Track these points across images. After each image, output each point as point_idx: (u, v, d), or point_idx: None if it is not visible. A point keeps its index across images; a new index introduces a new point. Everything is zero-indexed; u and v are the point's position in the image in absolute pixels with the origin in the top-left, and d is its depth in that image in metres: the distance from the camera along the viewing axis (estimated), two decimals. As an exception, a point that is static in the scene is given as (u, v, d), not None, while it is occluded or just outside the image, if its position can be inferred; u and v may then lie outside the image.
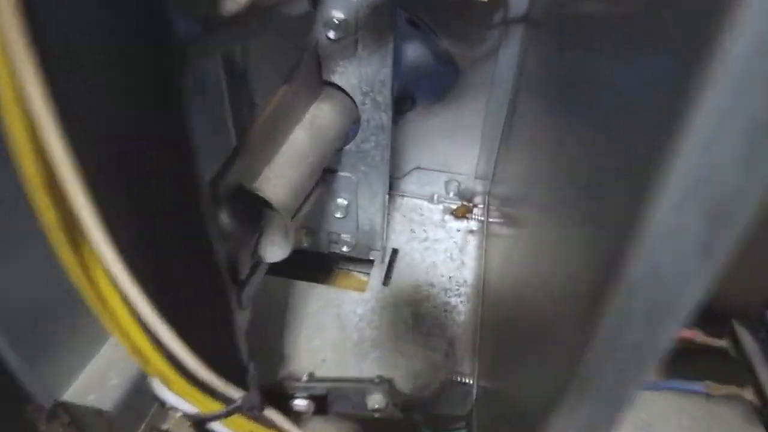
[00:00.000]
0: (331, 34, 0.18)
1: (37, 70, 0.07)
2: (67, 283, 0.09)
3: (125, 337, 0.10)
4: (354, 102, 0.20)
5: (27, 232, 0.11)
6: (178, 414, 0.14)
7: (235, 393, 0.13)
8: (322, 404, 0.17)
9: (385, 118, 0.20)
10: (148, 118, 0.08)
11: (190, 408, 0.13)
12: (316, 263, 0.28)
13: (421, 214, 0.29)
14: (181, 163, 0.09)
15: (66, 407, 0.17)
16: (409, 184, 0.30)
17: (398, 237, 0.28)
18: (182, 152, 0.09)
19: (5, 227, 0.14)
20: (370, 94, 0.19)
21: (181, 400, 0.13)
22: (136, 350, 0.11)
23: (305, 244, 0.25)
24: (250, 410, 0.13)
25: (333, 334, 0.22)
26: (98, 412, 0.16)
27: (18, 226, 0.13)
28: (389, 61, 0.18)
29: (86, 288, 0.09)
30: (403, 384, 0.19)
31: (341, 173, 0.22)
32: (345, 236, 0.25)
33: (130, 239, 0.09)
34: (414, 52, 0.23)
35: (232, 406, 0.13)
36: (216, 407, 0.13)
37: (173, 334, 0.10)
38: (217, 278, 0.12)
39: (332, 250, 0.25)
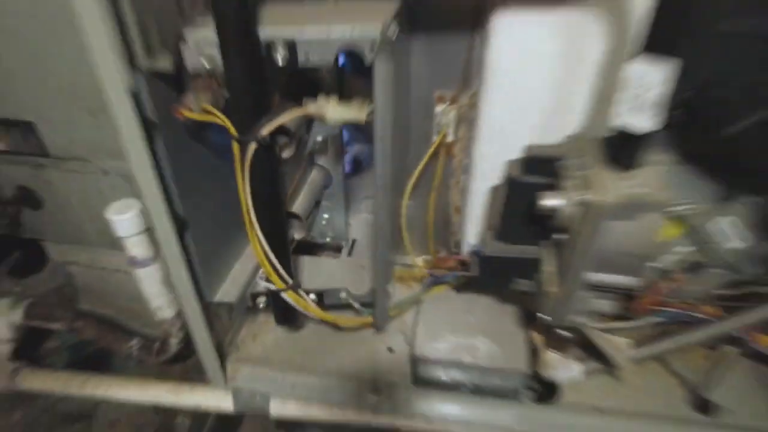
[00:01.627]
0: (317, 143, 0.42)
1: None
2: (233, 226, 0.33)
3: (261, 258, 0.34)
4: (329, 172, 0.44)
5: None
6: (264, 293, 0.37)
7: (290, 280, 0.36)
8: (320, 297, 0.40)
9: (341, 178, 0.45)
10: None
11: (273, 287, 0.36)
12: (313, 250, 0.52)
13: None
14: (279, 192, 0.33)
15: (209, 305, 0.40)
16: (362, 208, 0.54)
17: (357, 234, 0.52)
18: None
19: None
20: (335, 169, 0.44)
21: (270, 284, 0.36)
22: (260, 259, 0.34)
23: (309, 237, 0.49)
24: (294, 288, 0.36)
25: (327, 272, 0.45)
26: (229, 305, 0.39)
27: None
28: (342, 157, 0.43)
29: (249, 230, 0.33)
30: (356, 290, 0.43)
31: (324, 202, 0.46)
32: (329, 233, 0.48)
33: (261, 211, 0.32)
34: (359, 148, 0.47)
35: (289, 285, 0.36)
36: (282, 286, 0.36)
37: (270, 251, 0.34)
38: (286, 228, 0.35)
39: (322, 240, 0.49)
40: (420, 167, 0.40)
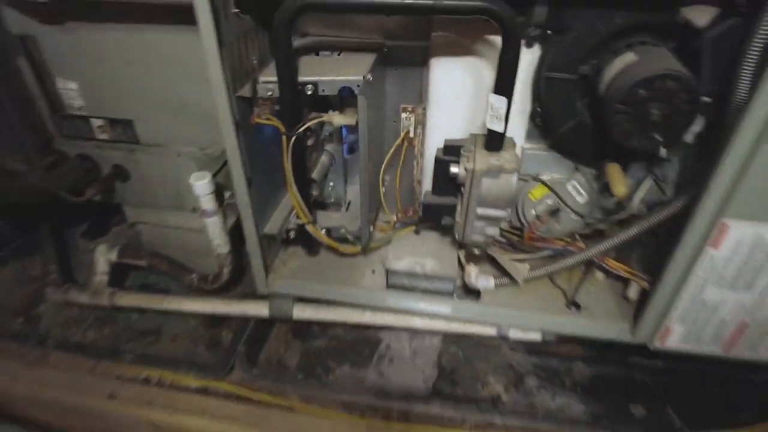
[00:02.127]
0: (326, 136, 0.66)
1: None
2: (275, 184, 0.57)
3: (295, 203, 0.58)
4: (333, 154, 0.68)
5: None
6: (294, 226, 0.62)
7: (311, 217, 0.60)
8: (329, 232, 0.65)
9: (341, 159, 0.69)
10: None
11: (300, 221, 0.60)
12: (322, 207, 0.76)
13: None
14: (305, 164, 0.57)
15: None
16: (355, 180, 0.79)
17: (351, 197, 0.76)
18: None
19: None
20: (337, 152, 0.68)
21: (299, 220, 0.60)
22: (294, 204, 0.58)
23: (320, 198, 0.74)
24: (313, 223, 0.60)
25: (333, 219, 0.70)
26: (272, 236, 0.64)
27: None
28: (342, 144, 0.67)
29: (289, 186, 0.57)
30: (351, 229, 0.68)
31: (330, 175, 0.71)
32: (333, 196, 0.73)
33: (295, 174, 0.57)
34: (352, 138, 0.72)
35: (310, 221, 0.60)
36: (306, 221, 0.60)
37: (299, 196, 0.58)
38: (308, 186, 0.60)
39: (329, 201, 0.74)
40: (390, 153, 0.64)
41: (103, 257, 0.79)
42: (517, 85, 0.55)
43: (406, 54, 0.62)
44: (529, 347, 0.80)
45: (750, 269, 0.50)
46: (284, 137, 0.52)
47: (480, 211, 0.53)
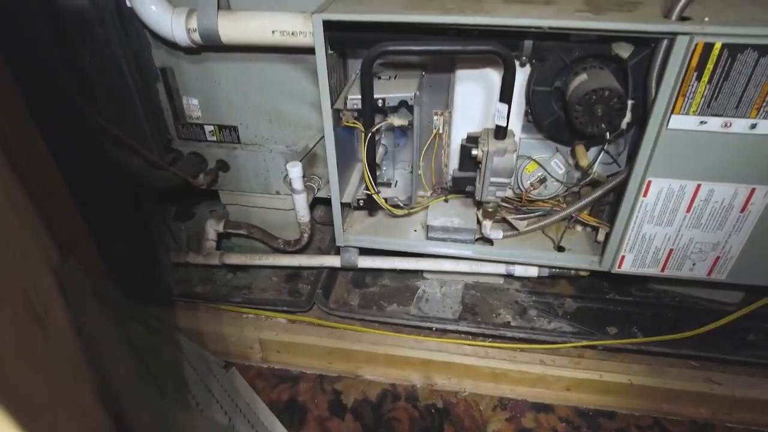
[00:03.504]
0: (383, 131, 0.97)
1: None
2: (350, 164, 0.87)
3: (367, 179, 0.88)
4: (386, 146, 0.99)
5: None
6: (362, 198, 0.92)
7: (376, 189, 0.91)
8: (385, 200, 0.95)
9: (391, 150, 1.00)
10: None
11: (369, 192, 0.90)
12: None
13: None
14: (374, 151, 0.88)
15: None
16: (400, 166, 1.09)
17: (399, 178, 1.06)
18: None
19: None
20: (388, 145, 0.99)
21: (367, 191, 0.90)
22: (366, 179, 0.89)
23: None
24: (377, 193, 0.90)
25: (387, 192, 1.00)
26: (346, 204, 0.94)
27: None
28: (392, 140, 0.98)
29: (364, 166, 0.88)
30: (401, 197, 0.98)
31: (384, 162, 1.01)
32: (385, 177, 1.03)
33: (367, 159, 0.87)
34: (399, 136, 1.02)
35: (375, 191, 0.90)
36: (373, 191, 0.90)
37: (370, 174, 0.88)
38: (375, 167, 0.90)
39: (382, 180, 1.04)
40: (426, 144, 0.95)
41: (212, 228, 1.09)
42: (515, 94, 0.86)
43: (435, 74, 0.92)
44: (531, 288, 1.10)
45: (668, 210, 0.80)
46: (362, 134, 0.82)
47: (492, 179, 0.83)
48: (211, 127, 1.05)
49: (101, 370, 0.52)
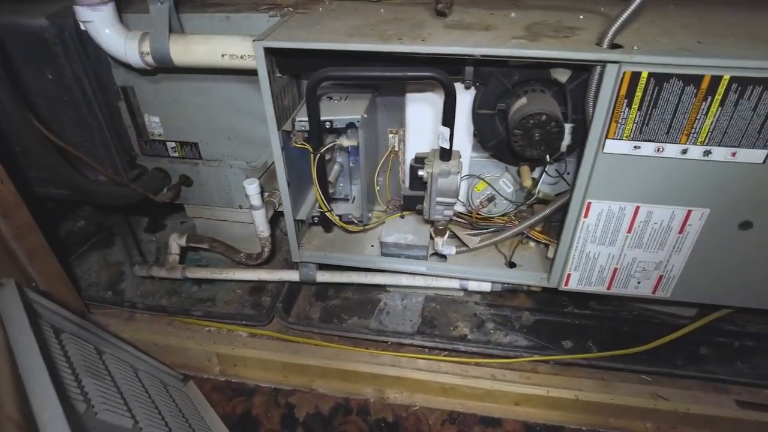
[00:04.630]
0: (338, 149, 0.98)
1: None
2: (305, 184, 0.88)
3: (319, 198, 0.89)
4: (342, 163, 1.00)
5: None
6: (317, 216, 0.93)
7: (329, 207, 0.92)
8: (340, 217, 0.96)
9: (348, 167, 1.01)
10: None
11: (321, 210, 0.91)
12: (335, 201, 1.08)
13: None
14: (325, 172, 0.89)
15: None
16: (357, 181, 1.10)
17: (356, 194, 1.07)
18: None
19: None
20: (345, 162, 1.00)
21: (320, 209, 0.91)
22: (318, 198, 0.90)
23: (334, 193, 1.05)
24: (330, 211, 0.91)
25: (343, 208, 1.02)
26: (302, 221, 0.95)
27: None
28: (348, 157, 0.99)
29: (315, 186, 0.89)
30: (356, 214, 0.99)
31: (340, 178, 1.02)
32: (343, 193, 1.04)
33: (318, 179, 0.88)
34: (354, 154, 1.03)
35: (328, 209, 0.91)
36: (326, 210, 0.91)
37: (321, 193, 0.89)
38: (327, 186, 0.91)
39: (340, 196, 1.05)
40: (381, 162, 0.96)
41: (175, 242, 1.10)
42: (463, 114, 0.87)
43: (389, 94, 0.93)
44: (490, 301, 1.11)
45: (610, 231, 0.80)
46: (312, 155, 0.83)
47: (438, 199, 0.84)
48: (174, 144, 1.06)
49: (23, 390, 0.53)
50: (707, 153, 0.70)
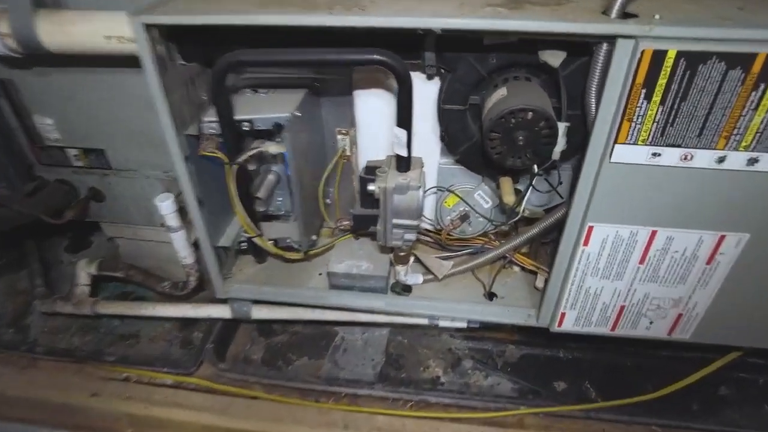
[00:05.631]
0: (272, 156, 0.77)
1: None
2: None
3: (242, 219, 0.69)
4: (280, 174, 0.79)
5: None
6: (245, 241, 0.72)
7: (257, 231, 0.71)
8: (276, 242, 0.75)
9: (285, 178, 0.80)
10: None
11: (248, 235, 0.70)
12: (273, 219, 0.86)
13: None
14: (248, 186, 0.68)
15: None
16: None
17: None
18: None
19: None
20: (283, 173, 0.79)
21: (246, 234, 0.70)
22: (241, 221, 0.69)
23: (270, 211, 0.84)
24: (259, 235, 0.71)
25: (281, 230, 0.81)
26: (226, 248, 0.74)
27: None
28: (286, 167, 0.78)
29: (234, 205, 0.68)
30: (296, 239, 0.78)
31: (277, 191, 0.81)
32: (282, 209, 0.83)
33: (240, 195, 0.67)
34: None
35: (256, 234, 0.70)
36: (253, 234, 0.71)
37: (246, 216, 0.68)
38: (252, 204, 0.70)
39: (279, 213, 0.84)
40: (328, 169, 0.75)
41: (84, 271, 0.89)
42: (428, 111, 0.66)
43: (336, 86, 0.72)
44: (467, 333, 0.91)
45: (617, 262, 0.61)
46: (227, 166, 0.62)
47: (396, 221, 0.63)
48: (75, 151, 0.84)
49: None
50: (753, 162, 0.50)
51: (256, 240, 0.69)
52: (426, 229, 0.80)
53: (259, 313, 0.82)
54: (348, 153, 0.77)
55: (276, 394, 0.82)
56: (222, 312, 0.83)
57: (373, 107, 0.69)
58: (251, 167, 0.67)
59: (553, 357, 0.89)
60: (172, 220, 0.77)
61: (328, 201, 0.82)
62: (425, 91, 0.66)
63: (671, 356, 0.87)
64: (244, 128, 0.61)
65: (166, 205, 0.75)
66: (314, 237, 0.76)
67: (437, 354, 0.90)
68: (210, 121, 0.61)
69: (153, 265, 0.98)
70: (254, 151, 0.62)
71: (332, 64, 0.54)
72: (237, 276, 0.79)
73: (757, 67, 0.45)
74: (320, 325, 0.94)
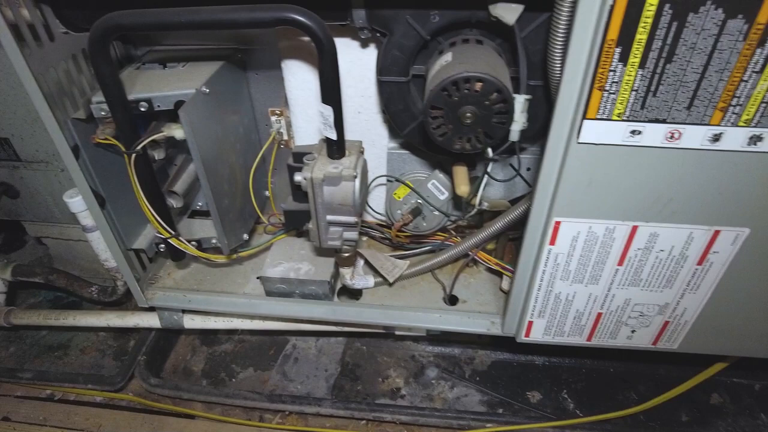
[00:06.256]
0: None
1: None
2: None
3: (151, 218, 0.57)
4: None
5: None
6: (161, 242, 0.61)
7: (172, 231, 0.60)
8: (199, 243, 0.64)
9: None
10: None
11: (162, 236, 0.59)
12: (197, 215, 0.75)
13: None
14: (154, 179, 0.57)
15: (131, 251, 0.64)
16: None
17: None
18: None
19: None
20: None
21: (160, 235, 0.59)
22: (150, 219, 0.58)
23: (194, 206, 0.72)
24: (176, 236, 0.60)
25: (205, 228, 0.69)
26: (142, 251, 0.63)
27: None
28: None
29: (141, 202, 0.56)
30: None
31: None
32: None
33: (146, 190, 0.56)
34: None
35: (172, 234, 0.59)
36: (168, 235, 0.60)
37: (156, 214, 0.57)
38: (164, 199, 0.59)
39: (204, 208, 0.73)
40: (259, 156, 0.63)
41: (-3, 277, 0.78)
42: (371, 86, 0.55)
43: (265, 58, 0.60)
44: (433, 337, 0.81)
45: (591, 263, 0.50)
46: (125, 156, 0.51)
47: (330, 218, 0.52)
48: (-24, 140, 0.72)
49: None
50: (755, 140, 0.39)
51: (173, 241, 0.58)
52: (379, 224, 0.69)
53: (192, 322, 0.71)
54: (286, 137, 0.66)
55: (215, 411, 0.72)
56: (151, 321, 0.72)
57: (304, 81, 0.57)
58: (159, 156, 0.56)
59: (527, 363, 0.79)
60: (86, 218, 0.65)
61: (266, 194, 0.71)
62: (366, 60, 0.55)
63: (659, 362, 0.77)
64: (141, 109, 0.50)
65: (76, 202, 0.64)
66: (245, 236, 0.65)
67: (399, 362, 0.79)
68: (101, 102, 0.49)
69: (89, 268, 0.87)
70: (153, 136, 0.51)
71: (231, 25, 0.42)
72: (163, 281, 0.68)
73: (764, 15, 0.34)
74: (269, 332, 0.83)
